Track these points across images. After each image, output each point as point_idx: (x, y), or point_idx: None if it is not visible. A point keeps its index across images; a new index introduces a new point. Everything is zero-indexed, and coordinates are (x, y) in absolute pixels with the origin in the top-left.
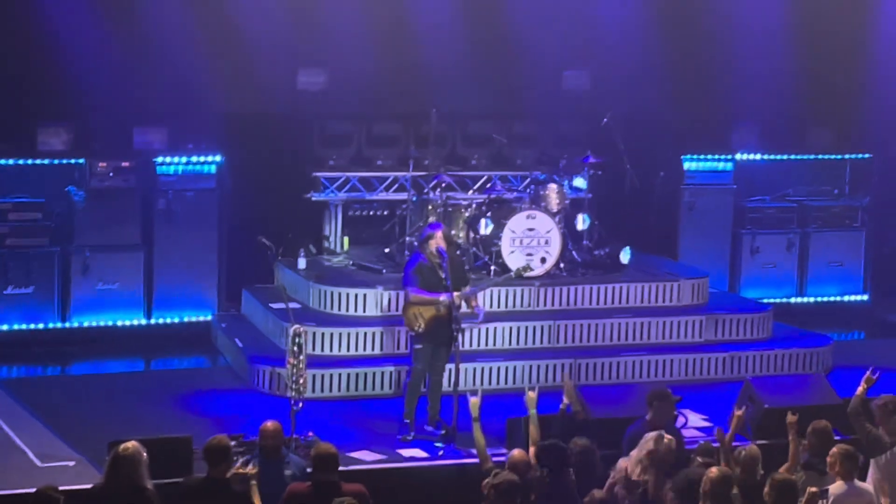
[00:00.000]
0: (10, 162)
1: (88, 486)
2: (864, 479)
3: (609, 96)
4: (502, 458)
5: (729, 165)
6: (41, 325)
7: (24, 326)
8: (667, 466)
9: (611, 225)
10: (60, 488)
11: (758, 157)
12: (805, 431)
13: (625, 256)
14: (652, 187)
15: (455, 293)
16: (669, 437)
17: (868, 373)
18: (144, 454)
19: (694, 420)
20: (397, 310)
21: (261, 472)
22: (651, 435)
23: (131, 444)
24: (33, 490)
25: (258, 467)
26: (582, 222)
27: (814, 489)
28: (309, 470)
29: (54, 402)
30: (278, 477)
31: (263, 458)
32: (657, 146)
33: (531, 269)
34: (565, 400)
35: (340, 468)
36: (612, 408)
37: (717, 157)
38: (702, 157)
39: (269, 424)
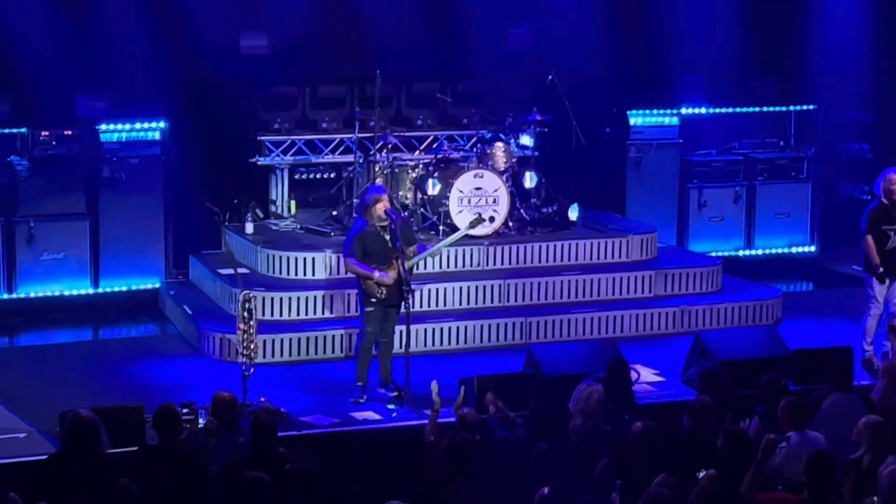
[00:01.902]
0: None
1: (42, 457)
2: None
3: (553, 53)
4: (453, 419)
5: (674, 120)
6: None
7: None
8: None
9: (558, 182)
10: (13, 461)
11: (703, 110)
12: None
13: (573, 213)
14: (598, 144)
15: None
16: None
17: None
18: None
19: (646, 375)
20: (346, 273)
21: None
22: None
23: (86, 412)
24: None
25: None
26: (529, 180)
27: (771, 436)
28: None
29: (3, 373)
30: (232, 446)
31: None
32: (602, 102)
33: (483, 220)
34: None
35: (295, 433)
36: (563, 365)
37: (662, 111)
38: (647, 112)
39: (224, 394)
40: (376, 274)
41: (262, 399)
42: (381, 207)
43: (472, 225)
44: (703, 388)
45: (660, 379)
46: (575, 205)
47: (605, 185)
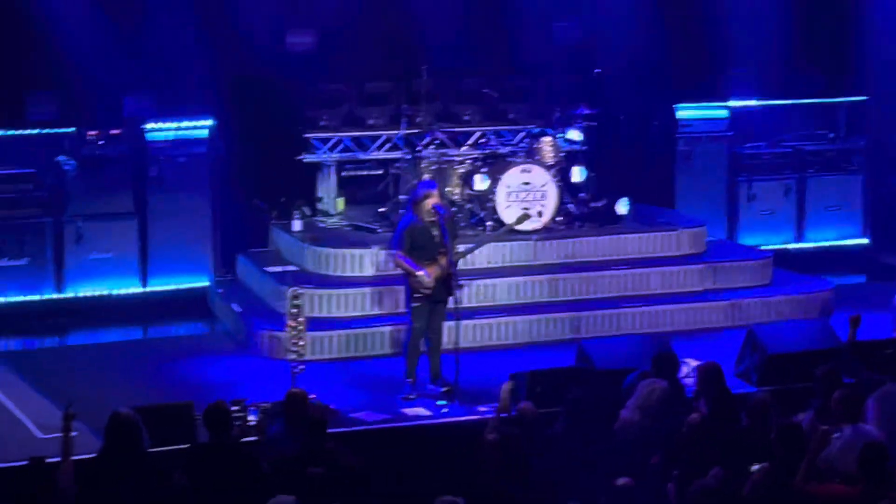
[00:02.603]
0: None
1: (92, 455)
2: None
3: (600, 47)
4: (504, 415)
5: (723, 113)
6: (37, 297)
7: (19, 298)
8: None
9: (607, 176)
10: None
11: (752, 103)
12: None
13: (622, 207)
14: (647, 137)
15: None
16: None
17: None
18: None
19: None
20: (394, 269)
21: (279, 437)
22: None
23: (126, 410)
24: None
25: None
26: (578, 175)
27: (824, 427)
28: None
29: (53, 373)
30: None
31: (287, 423)
32: (650, 96)
33: (529, 217)
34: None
35: (344, 429)
36: (612, 360)
37: (711, 104)
38: (696, 105)
39: (297, 391)
40: (420, 272)
41: (312, 396)
42: (430, 203)
43: (519, 221)
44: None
45: None
46: (624, 199)
47: (654, 179)
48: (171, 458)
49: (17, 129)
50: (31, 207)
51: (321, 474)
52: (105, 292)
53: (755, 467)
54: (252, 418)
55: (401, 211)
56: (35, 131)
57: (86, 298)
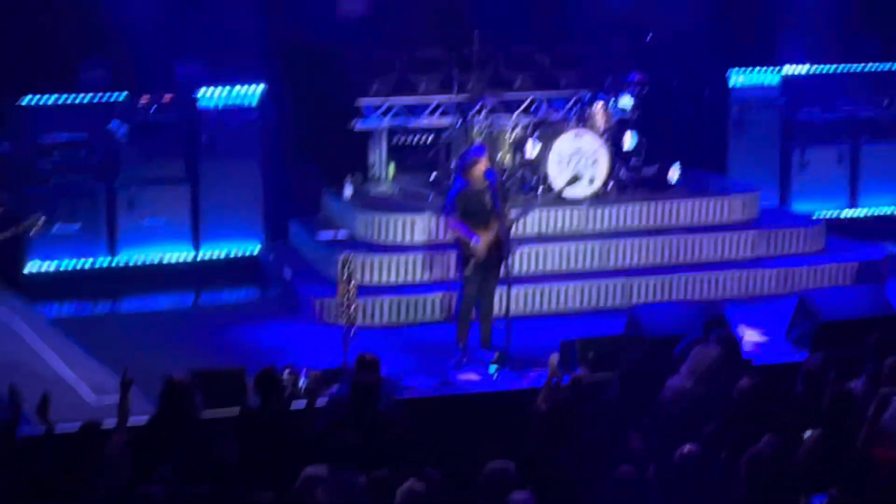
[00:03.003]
0: (52, 98)
1: (143, 420)
2: None
3: (652, 12)
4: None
5: (776, 78)
6: (89, 263)
7: (72, 264)
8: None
9: (659, 143)
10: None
11: (806, 68)
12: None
13: (674, 174)
14: (699, 103)
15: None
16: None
17: None
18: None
19: (750, 335)
20: (445, 236)
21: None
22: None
23: (181, 376)
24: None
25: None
26: (629, 141)
27: (885, 390)
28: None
29: (106, 338)
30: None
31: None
32: (703, 62)
33: (580, 178)
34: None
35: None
36: (664, 327)
37: (763, 70)
38: (748, 70)
39: (367, 355)
40: (473, 240)
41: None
42: (480, 168)
43: (570, 182)
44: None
45: (764, 339)
46: (676, 165)
47: (706, 145)
48: (222, 423)
49: (69, 94)
50: (83, 173)
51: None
52: (157, 258)
53: (807, 434)
54: (302, 382)
55: (452, 177)
56: (87, 97)
57: (138, 264)
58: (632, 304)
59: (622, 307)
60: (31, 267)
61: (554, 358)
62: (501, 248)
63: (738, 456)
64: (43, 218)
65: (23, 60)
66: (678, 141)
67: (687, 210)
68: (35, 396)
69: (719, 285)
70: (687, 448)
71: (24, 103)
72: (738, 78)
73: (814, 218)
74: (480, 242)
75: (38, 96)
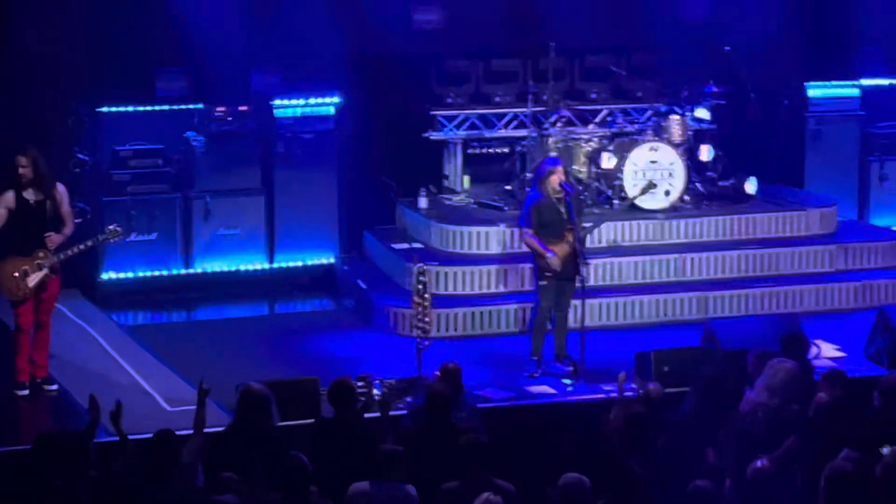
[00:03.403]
0: (130, 108)
1: (218, 428)
2: None
3: (729, 24)
4: (632, 394)
5: (855, 91)
6: (165, 272)
7: (148, 273)
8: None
9: (735, 155)
10: (189, 432)
11: (884, 81)
12: None
13: (750, 187)
14: (776, 116)
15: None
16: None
17: None
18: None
19: (827, 350)
20: (520, 247)
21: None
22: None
23: (258, 386)
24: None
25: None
26: (706, 153)
27: None
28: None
29: (180, 347)
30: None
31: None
32: (780, 74)
33: (655, 186)
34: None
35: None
36: (740, 340)
37: (842, 83)
38: (826, 83)
39: (450, 364)
40: (549, 255)
41: (437, 373)
42: (555, 179)
43: (644, 191)
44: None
45: (841, 354)
46: (752, 178)
47: (783, 158)
48: (295, 433)
49: (146, 105)
50: (160, 183)
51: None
52: (232, 268)
53: (885, 450)
54: (376, 393)
55: (527, 189)
56: (164, 107)
57: (213, 274)
58: (707, 317)
59: (698, 320)
60: (107, 276)
61: (622, 376)
62: (576, 260)
63: (816, 471)
64: (120, 231)
65: (101, 70)
66: (755, 153)
67: (764, 223)
68: (111, 404)
69: (796, 299)
70: (760, 462)
71: (102, 113)
72: (816, 90)
73: (893, 231)
74: (555, 256)
75: (115, 106)
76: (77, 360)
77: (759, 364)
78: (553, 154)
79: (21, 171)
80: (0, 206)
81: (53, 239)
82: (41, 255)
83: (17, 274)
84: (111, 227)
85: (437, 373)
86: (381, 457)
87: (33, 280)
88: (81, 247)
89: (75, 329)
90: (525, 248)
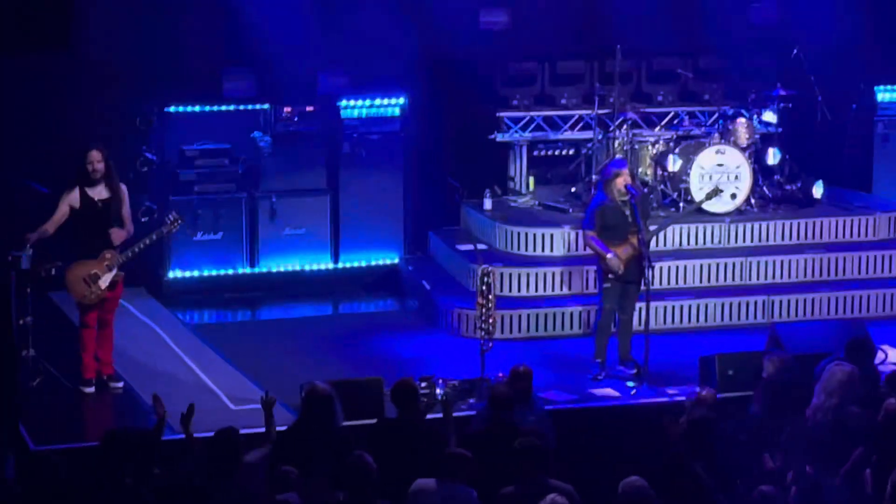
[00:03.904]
0: (197, 108)
1: (282, 427)
2: None
3: (798, 27)
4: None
5: None
6: (230, 271)
7: (213, 272)
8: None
9: (802, 159)
10: (254, 431)
11: None
12: None
13: (817, 190)
14: (844, 119)
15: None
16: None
17: None
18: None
19: (893, 356)
20: (584, 249)
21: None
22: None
23: (322, 385)
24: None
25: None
26: (772, 157)
27: None
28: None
29: (245, 346)
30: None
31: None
32: (848, 78)
33: (720, 192)
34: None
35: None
36: (805, 344)
37: None
38: (895, 86)
39: (521, 367)
40: (609, 255)
41: (500, 374)
42: (621, 182)
43: (709, 196)
44: None
45: None
46: (819, 182)
47: (850, 161)
48: (358, 432)
49: (214, 105)
50: (226, 182)
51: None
52: (297, 268)
53: None
54: (439, 395)
55: (592, 191)
56: (231, 107)
57: (278, 273)
58: (772, 321)
59: (763, 324)
60: (174, 274)
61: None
62: (641, 263)
63: (884, 476)
64: (180, 219)
65: (169, 70)
66: (822, 157)
67: (830, 227)
68: (176, 402)
69: (862, 304)
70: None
71: (169, 112)
72: (885, 94)
73: None
74: (615, 258)
75: (183, 106)
76: (143, 357)
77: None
78: (619, 156)
79: (95, 166)
80: (63, 203)
81: (118, 234)
82: (108, 255)
83: (87, 278)
84: (170, 217)
85: (505, 375)
86: (449, 459)
87: (105, 282)
88: (147, 242)
89: (142, 327)
90: (589, 251)
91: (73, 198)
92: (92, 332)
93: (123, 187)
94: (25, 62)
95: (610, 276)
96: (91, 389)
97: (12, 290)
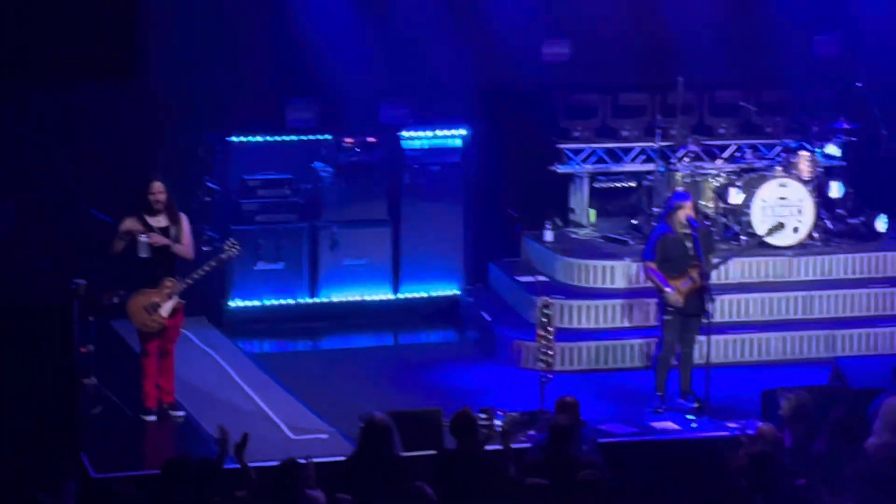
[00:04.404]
0: (259, 138)
1: (341, 457)
2: None
3: (862, 60)
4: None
5: None
6: (291, 301)
7: (274, 301)
8: None
9: (866, 192)
10: (314, 461)
11: None
12: None
13: (881, 224)
14: None
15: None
16: None
17: None
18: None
19: None
20: (645, 282)
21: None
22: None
23: (381, 415)
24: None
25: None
26: (836, 190)
27: None
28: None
29: (306, 376)
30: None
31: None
32: None
33: (783, 227)
34: None
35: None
36: (869, 379)
37: None
38: None
39: (567, 398)
40: (668, 290)
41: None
42: (682, 214)
43: (771, 231)
44: None
45: None
46: (883, 216)
47: None
48: (418, 463)
49: (276, 135)
50: (288, 212)
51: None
52: (357, 298)
53: None
54: (498, 426)
55: (653, 223)
56: (293, 137)
57: (339, 303)
58: (835, 355)
59: (825, 359)
60: (234, 304)
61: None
62: (702, 296)
63: None
64: (237, 245)
65: (232, 101)
66: (886, 191)
67: (894, 261)
68: (236, 431)
69: None
70: None
71: (232, 142)
72: None
73: None
74: (674, 292)
75: (245, 136)
76: (204, 386)
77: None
78: (683, 189)
79: (157, 196)
80: (122, 232)
81: (180, 249)
82: (168, 284)
83: (148, 307)
84: (227, 243)
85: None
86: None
87: (166, 310)
88: (206, 268)
89: (202, 356)
90: (650, 283)
91: (132, 226)
92: (153, 360)
93: (184, 216)
94: (90, 91)
95: (669, 308)
96: (152, 418)
97: (74, 319)
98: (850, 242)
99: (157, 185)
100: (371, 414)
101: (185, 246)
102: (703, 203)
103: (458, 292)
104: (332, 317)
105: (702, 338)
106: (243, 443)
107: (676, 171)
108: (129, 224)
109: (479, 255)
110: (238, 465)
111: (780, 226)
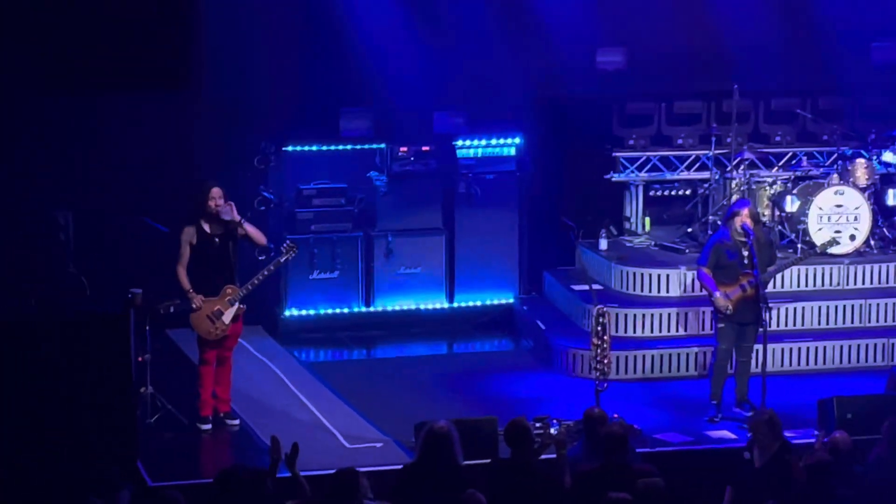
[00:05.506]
0: (314, 148)
1: (397, 466)
2: None
3: None
4: (812, 440)
5: None
6: (346, 310)
7: (329, 310)
8: None
9: None
10: (369, 469)
11: None
12: None
13: None
14: None
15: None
16: None
17: None
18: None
19: None
20: (701, 290)
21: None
22: None
23: (442, 423)
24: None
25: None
26: (892, 197)
27: None
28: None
29: (360, 384)
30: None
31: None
32: None
33: (837, 244)
34: None
35: (647, 450)
36: None
37: None
38: None
39: (595, 410)
40: (716, 294)
41: (615, 415)
42: (738, 221)
43: (824, 248)
44: None
45: None
46: None
47: None
48: (472, 472)
49: (331, 144)
50: (342, 221)
51: (625, 499)
52: (412, 307)
53: None
54: (553, 434)
55: (709, 231)
56: (348, 147)
57: (393, 312)
58: (892, 364)
59: (882, 367)
60: (290, 313)
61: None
62: (758, 304)
63: None
64: (294, 247)
65: (288, 110)
66: None
67: None
68: (290, 440)
69: None
70: None
71: (287, 151)
72: None
73: None
74: (723, 297)
75: (301, 145)
76: (259, 395)
77: None
78: (735, 197)
79: (217, 201)
80: (185, 244)
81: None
82: (229, 290)
83: (211, 315)
84: (284, 245)
85: (620, 416)
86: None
87: (228, 317)
88: (265, 273)
89: (258, 365)
90: (705, 292)
91: (190, 233)
92: (210, 368)
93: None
94: (146, 101)
95: (721, 315)
96: (208, 427)
97: (131, 328)
98: None
99: (217, 191)
100: (432, 423)
101: (256, 231)
102: (760, 211)
103: (512, 301)
104: (386, 326)
105: (758, 346)
106: (294, 453)
107: (732, 178)
108: (187, 237)
109: (534, 264)
110: (287, 474)
111: (834, 241)
